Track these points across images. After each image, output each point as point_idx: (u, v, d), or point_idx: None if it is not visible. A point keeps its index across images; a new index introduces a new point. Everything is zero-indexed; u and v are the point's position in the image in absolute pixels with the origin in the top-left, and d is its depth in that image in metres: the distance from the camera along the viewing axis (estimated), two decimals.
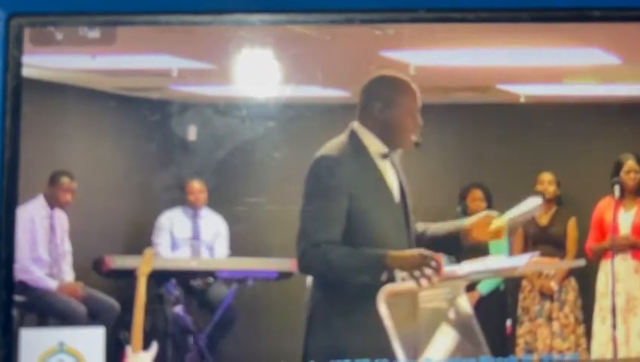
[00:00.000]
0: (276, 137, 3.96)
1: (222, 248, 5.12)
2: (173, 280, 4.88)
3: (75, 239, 4.80)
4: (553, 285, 5.27)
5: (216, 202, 5.04)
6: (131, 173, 4.84)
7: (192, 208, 5.10)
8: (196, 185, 5.04)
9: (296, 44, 3.43)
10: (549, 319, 5.25)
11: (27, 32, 2.96)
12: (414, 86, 3.48)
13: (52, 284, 4.74)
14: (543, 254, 4.77)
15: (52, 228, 4.81)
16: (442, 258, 3.39)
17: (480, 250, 4.82)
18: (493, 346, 3.71)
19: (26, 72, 2.95)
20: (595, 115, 4.99)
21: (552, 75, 4.91)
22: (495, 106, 5.33)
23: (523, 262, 3.94)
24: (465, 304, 3.71)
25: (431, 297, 3.54)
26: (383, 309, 3.31)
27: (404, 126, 3.47)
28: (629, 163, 5.04)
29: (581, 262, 4.67)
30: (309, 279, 3.45)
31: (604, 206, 5.09)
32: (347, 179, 3.39)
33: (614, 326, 4.95)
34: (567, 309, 5.26)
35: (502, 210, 5.07)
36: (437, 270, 3.34)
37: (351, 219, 3.37)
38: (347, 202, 3.37)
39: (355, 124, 3.47)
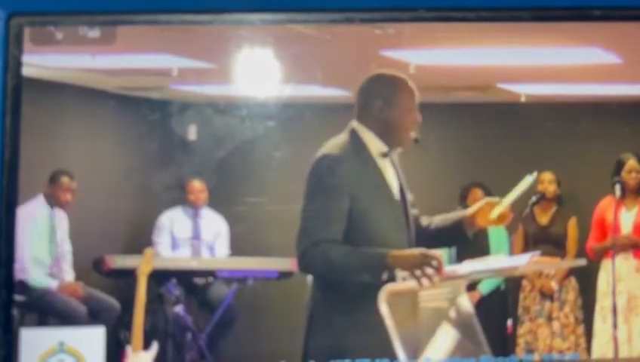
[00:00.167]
0: (276, 137, 3.96)
1: (222, 248, 5.12)
2: (174, 280, 4.88)
3: (75, 239, 4.80)
4: (553, 285, 5.27)
5: (216, 202, 5.04)
6: (131, 173, 4.84)
7: (193, 208, 5.10)
8: (196, 185, 5.04)
9: (297, 44, 3.43)
10: (550, 319, 5.25)
11: (27, 32, 2.96)
12: (412, 84, 3.48)
13: (52, 284, 4.74)
14: (544, 254, 4.76)
15: (52, 227, 4.81)
16: (443, 257, 3.39)
17: (481, 249, 4.82)
18: (494, 346, 3.71)
19: (26, 71, 2.94)
20: (596, 115, 4.99)
21: (553, 74, 4.91)
22: (495, 106, 5.33)
23: (524, 261, 3.93)
24: (466, 303, 3.71)
25: (432, 297, 3.53)
26: (383, 308, 3.30)
27: (403, 124, 3.47)
28: (631, 162, 5.04)
29: (582, 262, 4.67)
30: (310, 279, 3.45)
31: (605, 205, 5.09)
32: (348, 178, 3.39)
33: (615, 326, 4.95)
34: (567, 309, 5.26)
35: None
36: (438, 269, 3.34)
37: (352, 219, 3.37)
38: (348, 201, 3.37)
39: (355, 124, 3.47)
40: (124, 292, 4.45)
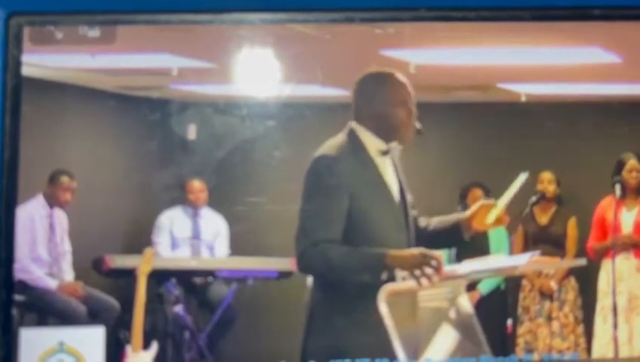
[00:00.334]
0: (276, 136, 3.96)
1: (222, 247, 5.12)
2: (174, 280, 4.87)
3: (75, 238, 4.80)
4: (553, 284, 5.27)
5: (216, 201, 5.03)
6: (131, 172, 4.84)
7: (192, 207, 5.10)
8: (196, 185, 5.04)
9: (297, 43, 3.43)
10: (549, 318, 5.25)
11: (27, 31, 2.96)
12: (401, 77, 3.48)
13: (52, 284, 4.74)
14: (543, 253, 4.76)
15: (52, 227, 4.81)
16: (442, 257, 3.39)
17: (481, 249, 4.82)
18: (494, 345, 3.71)
19: (26, 71, 2.94)
20: (596, 114, 4.98)
21: (553, 74, 4.91)
22: (496, 105, 5.33)
23: (523, 261, 3.94)
24: (465, 303, 3.71)
25: (431, 296, 3.53)
26: (383, 308, 3.30)
27: (394, 118, 3.46)
28: (631, 162, 5.04)
29: (582, 262, 4.67)
30: (310, 279, 3.45)
31: (606, 205, 5.08)
32: (346, 178, 3.39)
33: (615, 326, 4.95)
34: (566, 309, 5.26)
35: None
36: (437, 269, 3.34)
37: (350, 219, 3.37)
38: (347, 201, 3.37)
39: (353, 123, 3.47)
40: (124, 292, 4.44)
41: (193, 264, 5.03)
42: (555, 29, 3.65)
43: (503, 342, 5.05)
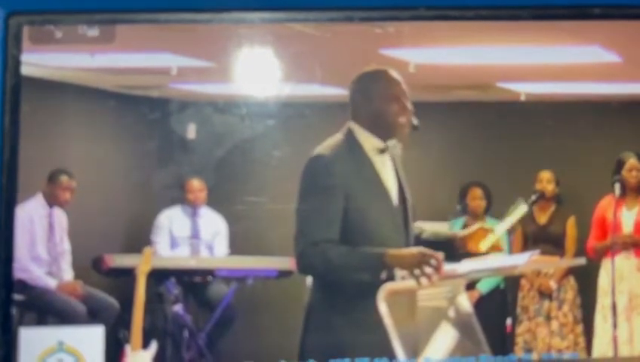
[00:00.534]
0: (276, 135, 3.96)
1: (221, 247, 5.12)
2: (173, 279, 4.87)
3: (75, 238, 4.79)
4: (552, 284, 5.27)
5: (215, 201, 5.03)
6: (131, 172, 4.84)
7: (192, 207, 5.10)
8: (195, 184, 5.04)
9: (296, 42, 3.43)
10: (548, 318, 5.25)
11: (26, 31, 2.96)
12: (394, 74, 3.49)
13: (51, 283, 4.74)
14: (543, 253, 4.77)
15: (51, 226, 4.80)
16: (442, 256, 3.39)
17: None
18: (493, 345, 3.71)
19: (25, 70, 2.94)
20: (595, 114, 4.98)
21: (553, 73, 4.91)
22: (495, 104, 5.32)
23: (523, 260, 3.94)
24: (465, 302, 3.71)
25: (431, 296, 3.53)
26: (382, 308, 3.30)
27: (386, 113, 3.47)
28: (631, 161, 5.04)
29: (581, 261, 4.67)
30: (309, 278, 3.45)
31: (606, 204, 5.08)
32: (343, 177, 3.39)
33: (615, 325, 4.94)
34: (565, 308, 5.26)
35: (501, 207, 5.07)
36: (437, 269, 3.34)
37: (348, 218, 3.37)
38: (344, 201, 3.37)
39: (351, 123, 3.48)
40: (124, 292, 4.44)
41: (192, 263, 5.03)
42: (555, 28, 3.65)
43: (502, 341, 5.05)
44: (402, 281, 3.36)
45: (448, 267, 3.47)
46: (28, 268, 4.67)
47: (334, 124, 3.54)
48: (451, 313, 3.63)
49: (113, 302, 4.61)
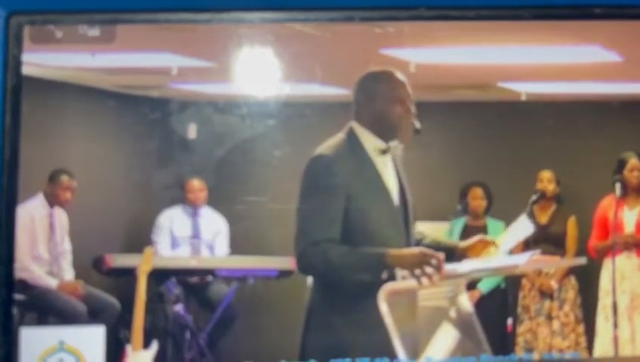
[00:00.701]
0: (276, 135, 3.96)
1: (222, 246, 5.12)
2: (174, 279, 4.87)
3: (75, 237, 4.80)
4: (553, 284, 5.27)
5: (216, 200, 5.03)
6: (131, 172, 4.84)
7: (192, 207, 5.10)
8: (196, 184, 5.04)
9: (296, 42, 3.43)
10: (549, 317, 5.25)
11: (27, 30, 2.96)
12: (399, 75, 3.49)
13: (52, 283, 4.74)
14: (543, 252, 4.77)
15: (52, 226, 4.81)
16: (442, 256, 3.39)
17: None
18: (494, 344, 3.71)
19: (26, 70, 2.94)
20: (596, 113, 4.98)
21: (553, 73, 4.91)
22: (496, 104, 5.33)
23: (523, 260, 3.94)
24: (465, 302, 3.71)
25: (431, 295, 3.53)
26: (383, 307, 3.30)
27: (392, 115, 3.47)
28: (633, 161, 5.04)
29: (582, 261, 4.66)
30: (310, 279, 3.45)
31: (608, 204, 5.08)
32: (344, 177, 3.39)
33: (616, 325, 4.94)
34: (567, 308, 5.26)
35: (502, 207, 5.07)
36: (438, 268, 3.34)
37: (349, 218, 3.37)
38: (345, 201, 3.37)
39: (353, 123, 3.48)
40: (124, 291, 4.44)
41: (193, 263, 5.03)
42: (556, 27, 3.65)
43: (502, 341, 5.05)
44: (403, 281, 3.36)
45: (449, 267, 3.47)
46: (29, 267, 4.67)
47: (334, 123, 3.54)
48: (452, 313, 3.63)
49: (114, 301, 4.61)
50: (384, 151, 3.47)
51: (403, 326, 3.33)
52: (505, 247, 3.67)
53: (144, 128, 4.25)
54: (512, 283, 5.27)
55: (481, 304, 4.89)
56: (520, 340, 5.24)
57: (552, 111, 4.95)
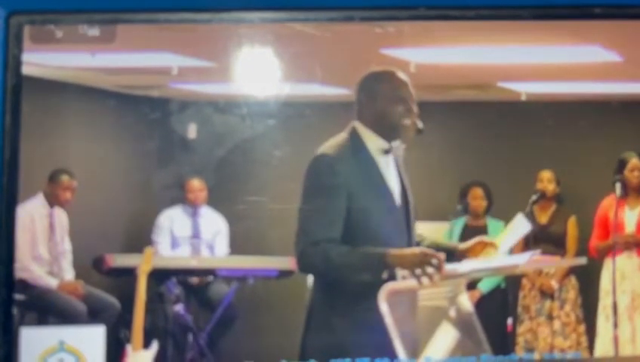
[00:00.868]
0: (276, 135, 3.96)
1: (222, 246, 5.12)
2: (174, 279, 4.88)
3: (75, 237, 4.80)
4: (554, 283, 5.27)
5: (216, 200, 5.03)
6: (131, 172, 4.84)
7: (192, 206, 5.10)
8: (196, 184, 5.04)
9: (296, 42, 3.43)
10: (550, 317, 5.25)
11: (27, 30, 2.96)
12: (401, 75, 3.49)
13: (52, 283, 4.74)
14: (544, 252, 4.77)
15: (52, 226, 4.81)
16: (443, 256, 3.39)
17: None
18: (494, 344, 3.71)
19: (26, 70, 2.94)
20: (596, 113, 4.98)
21: (553, 72, 4.91)
22: (496, 104, 5.33)
23: (523, 260, 3.94)
24: (466, 302, 3.71)
25: (432, 295, 3.53)
26: (383, 307, 3.30)
27: (394, 114, 3.47)
28: (634, 161, 5.04)
29: (582, 261, 4.67)
30: (310, 278, 3.45)
31: (609, 204, 5.08)
32: (346, 177, 3.39)
33: (616, 325, 4.94)
34: (567, 308, 5.26)
35: (502, 207, 5.07)
36: (438, 268, 3.34)
37: (351, 218, 3.37)
38: (347, 200, 3.37)
39: (356, 122, 3.48)
40: (124, 291, 4.44)
41: (193, 263, 5.03)
42: (556, 27, 3.65)
43: (503, 341, 5.05)
44: (403, 281, 3.36)
45: (449, 266, 3.47)
46: (29, 267, 4.67)
47: (334, 123, 3.54)
48: (452, 312, 3.63)
49: (114, 301, 4.61)
50: (386, 151, 3.46)
51: (403, 326, 3.33)
52: (504, 248, 3.67)
53: (144, 128, 4.25)
54: (512, 283, 5.27)
55: (481, 304, 4.89)
56: (520, 340, 5.24)
57: (552, 111, 4.95)
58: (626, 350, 4.92)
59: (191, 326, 4.89)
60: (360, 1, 2.99)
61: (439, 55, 4.58)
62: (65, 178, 4.75)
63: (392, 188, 3.47)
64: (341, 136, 3.47)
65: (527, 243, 5.06)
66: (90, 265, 4.80)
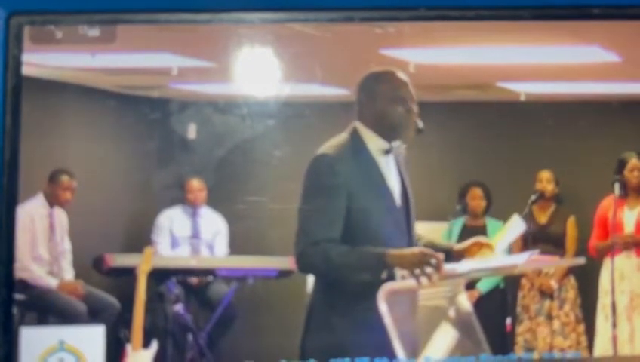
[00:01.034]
0: (276, 135, 3.96)
1: (221, 246, 5.12)
2: (174, 279, 4.88)
3: (75, 237, 4.80)
4: (553, 283, 5.27)
5: (215, 200, 5.04)
6: (131, 172, 4.85)
7: (192, 206, 5.10)
8: (195, 184, 5.04)
9: (296, 42, 3.43)
10: (549, 317, 5.26)
11: (27, 31, 2.96)
12: (401, 75, 3.49)
13: (52, 283, 4.74)
14: (543, 252, 4.77)
15: (52, 226, 4.81)
16: (442, 256, 3.39)
17: None
18: (493, 344, 3.71)
19: (26, 70, 2.95)
20: (595, 113, 4.99)
21: (552, 73, 4.91)
22: (495, 104, 5.33)
23: (522, 260, 3.94)
24: (465, 302, 3.71)
25: (431, 295, 3.53)
26: (382, 307, 3.30)
27: (394, 114, 3.47)
28: (634, 161, 5.05)
29: (581, 261, 4.67)
30: (310, 278, 3.45)
31: (608, 204, 5.08)
32: (346, 177, 3.39)
33: (615, 325, 4.95)
34: (567, 307, 5.27)
35: (501, 207, 5.07)
36: (438, 268, 3.34)
37: (351, 218, 3.37)
38: (347, 200, 3.37)
39: (357, 123, 3.48)
40: (124, 291, 4.45)
41: (193, 263, 5.04)
42: (555, 27, 3.65)
43: (502, 341, 5.06)
44: (402, 281, 3.37)
45: (448, 266, 3.47)
46: (29, 267, 4.67)
47: (334, 123, 3.54)
48: (451, 312, 3.63)
49: (114, 301, 4.61)
50: (387, 152, 3.47)
51: (402, 326, 3.33)
52: (500, 248, 3.67)
53: (144, 128, 4.25)
54: (511, 283, 5.27)
55: (480, 303, 4.90)
56: (519, 340, 5.24)
57: (552, 111, 4.96)
58: (624, 349, 4.92)
59: (191, 326, 4.89)
60: (360, 1, 2.99)
61: (439, 55, 4.58)
62: (65, 178, 4.75)
63: (392, 188, 3.47)
64: (342, 137, 3.47)
65: (526, 243, 5.07)
66: (90, 265, 4.80)
